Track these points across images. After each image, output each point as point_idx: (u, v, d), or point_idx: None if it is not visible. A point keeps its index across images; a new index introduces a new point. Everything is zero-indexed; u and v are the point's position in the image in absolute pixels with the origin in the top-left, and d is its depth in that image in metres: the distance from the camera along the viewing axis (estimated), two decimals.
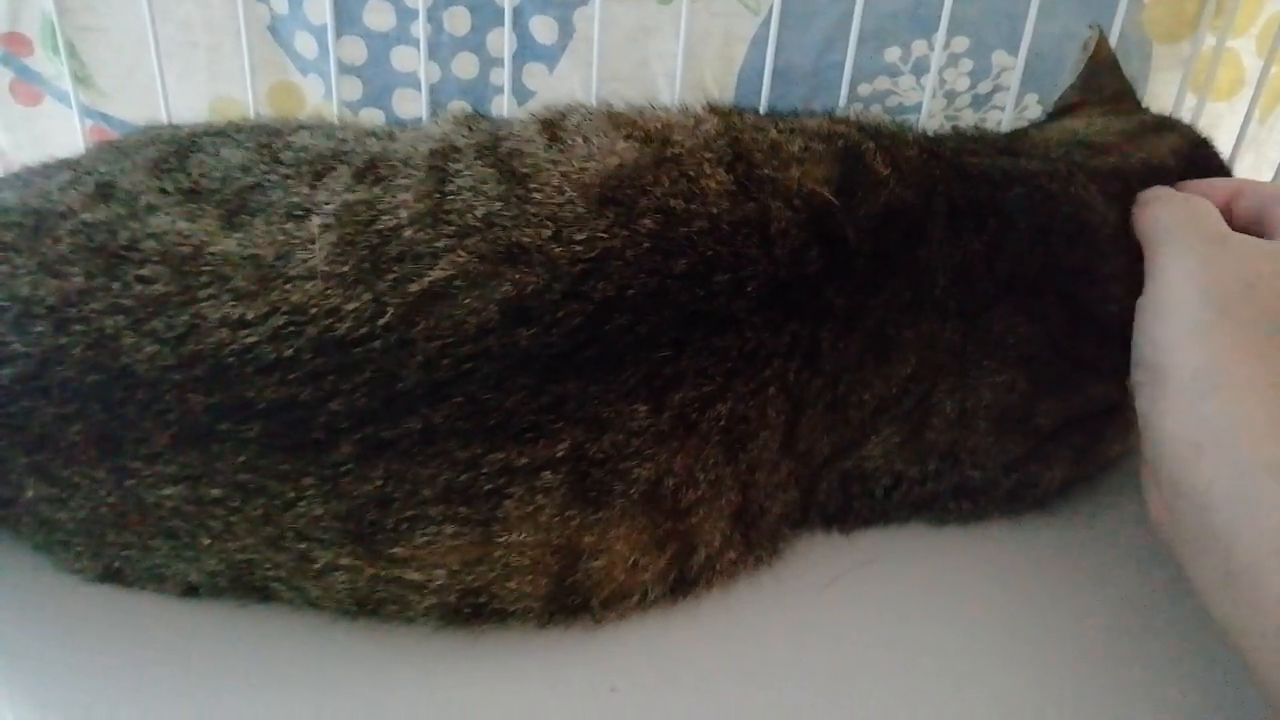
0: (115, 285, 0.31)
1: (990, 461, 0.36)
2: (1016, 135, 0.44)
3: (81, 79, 0.55)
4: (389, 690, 0.33)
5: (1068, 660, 0.34)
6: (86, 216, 0.33)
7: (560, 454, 0.30)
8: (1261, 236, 0.36)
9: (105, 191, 0.34)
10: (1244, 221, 0.37)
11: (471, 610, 0.32)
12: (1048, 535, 0.39)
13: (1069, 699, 0.33)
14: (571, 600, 0.32)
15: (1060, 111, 0.46)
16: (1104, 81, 0.46)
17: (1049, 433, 0.36)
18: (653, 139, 0.34)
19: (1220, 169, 0.42)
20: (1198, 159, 0.41)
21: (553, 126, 0.35)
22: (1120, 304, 0.35)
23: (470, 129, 0.36)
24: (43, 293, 0.31)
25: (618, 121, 0.35)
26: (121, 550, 0.33)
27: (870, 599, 0.36)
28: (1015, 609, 0.36)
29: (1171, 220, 0.35)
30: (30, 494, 0.32)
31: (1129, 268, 0.35)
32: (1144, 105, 0.47)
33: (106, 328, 0.31)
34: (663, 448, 0.31)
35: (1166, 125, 0.43)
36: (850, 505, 0.37)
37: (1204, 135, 0.43)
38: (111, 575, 0.34)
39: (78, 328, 0.31)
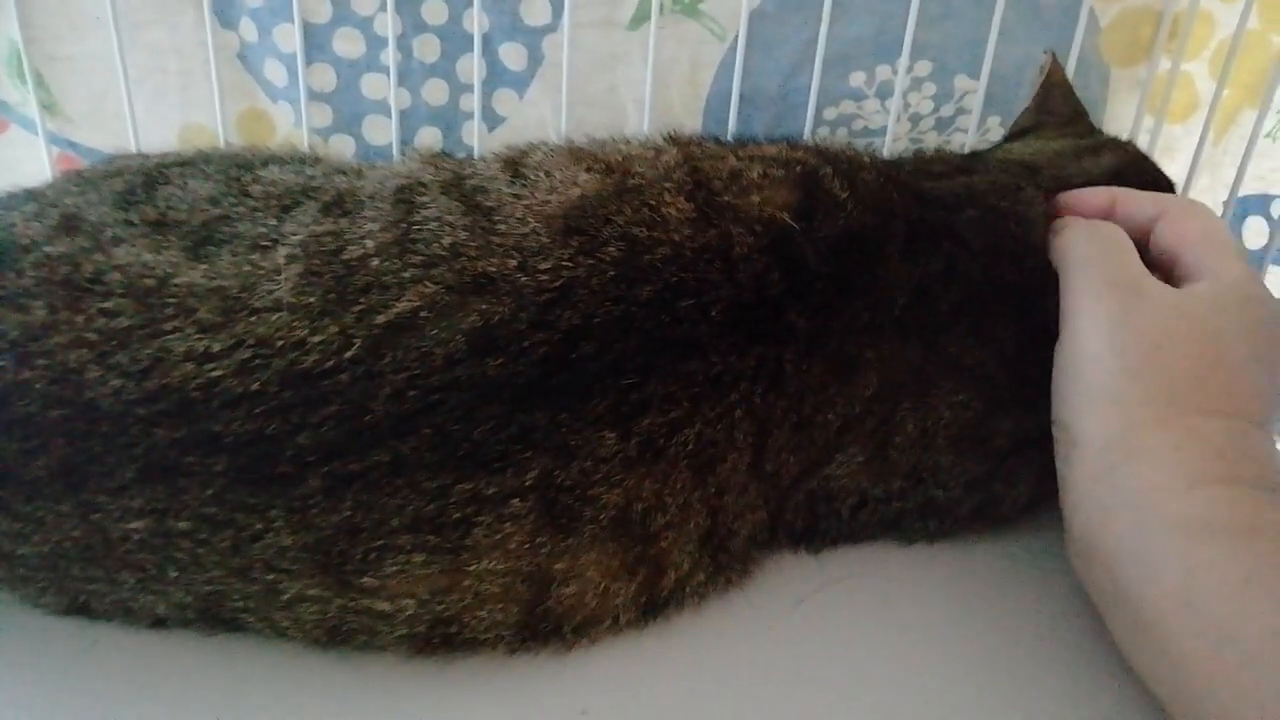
0: (79, 318, 0.31)
1: (953, 481, 0.37)
2: (972, 158, 0.45)
3: (48, 106, 0.55)
4: (359, 719, 0.32)
5: (1038, 674, 0.34)
6: (50, 249, 0.33)
7: (529, 482, 0.30)
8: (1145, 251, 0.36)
9: (70, 223, 0.34)
10: (1128, 225, 0.37)
11: (442, 639, 0.32)
12: (1015, 550, 0.40)
13: (1040, 713, 0.33)
14: (542, 627, 0.32)
15: (1016, 134, 0.47)
16: (1058, 105, 0.47)
17: (1009, 451, 0.37)
18: (614, 170, 0.35)
19: (1159, 184, 0.43)
20: (1134, 176, 0.42)
21: (515, 164, 0.36)
22: None
23: (436, 167, 0.37)
24: (5, 326, 0.31)
25: (578, 156, 0.36)
26: (88, 584, 0.33)
27: (840, 617, 0.36)
28: (985, 624, 0.36)
29: (1085, 254, 0.35)
30: None
31: None
32: (1100, 127, 0.49)
33: (70, 361, 0.31)
34: (631, 473, 0.31)
35: (1107, 145, 0.44)
36: (818, 525, 0.38)
37: (1143, 153, 0.44)
38: (78, 609, 0.34)
39: (41, 362, 0.31)
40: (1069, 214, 0.38)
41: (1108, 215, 0.38)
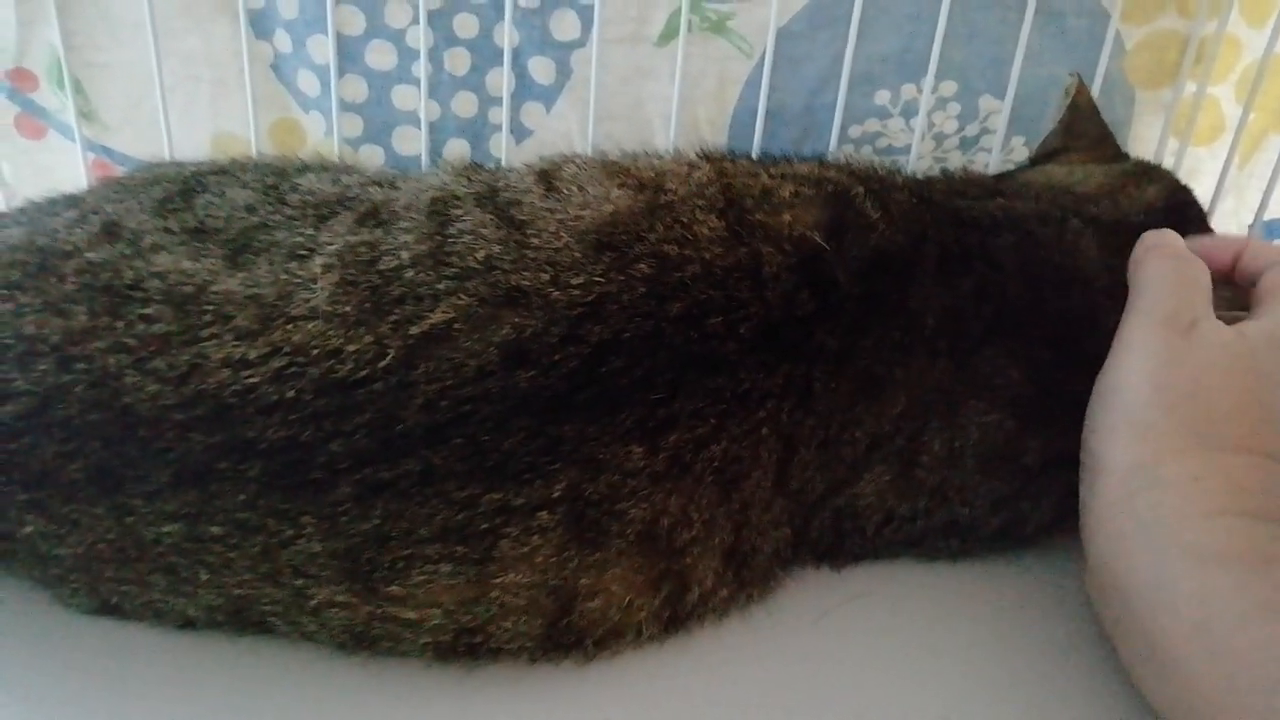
0: (119, 324, 0.32)
1: (978, 500, 0.37)
2: (1003, 179, 0.46)
3: (85, 113, 0.56)
4: None
5: (1056, 694, 0.34)
6: (91, 255, 0.34)
7: (557, 494, 0.30)
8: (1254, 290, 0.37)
9: (111, 230, 0.35)
10: (1244, 280, 0.38)
11: (466, 648, 0.32)
12: (1037, 569, 0.40)
13: None
14: (565, 640, 0.32)
15: (1043, 156, 0.47)
16: (1085, 127, 0.47)
17: (1036, 471, 0.37)
18: (647, 186, 0.35)
19: (1199, 218, 0.43)
20: (1177, 208, 0.42)
21: (548, 177, 0.36)
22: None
23: (469, 179, 0.37)
24: (46, 331, 0.32)
25: (612, 170, 0.36)
26: (119, 586, 0.33)
27: (861, 633, 0.37)
28: (1004, 643, 0.36)
29: (1154, 289, 0.35)
30: (29, 530, 0.32)
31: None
32: (1126, 150, 0.49)
33: (109, 366, 0.31)
34: (658, 488, 0.32)
35: (1147, 174, 0.44)
36: (842, 542, 0.38)
37: (1184, 184, 0.44)
38: (108, 610, 0.34)
39: (80, 366, 0.31)
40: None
41: (1232, 264, 0.38)
